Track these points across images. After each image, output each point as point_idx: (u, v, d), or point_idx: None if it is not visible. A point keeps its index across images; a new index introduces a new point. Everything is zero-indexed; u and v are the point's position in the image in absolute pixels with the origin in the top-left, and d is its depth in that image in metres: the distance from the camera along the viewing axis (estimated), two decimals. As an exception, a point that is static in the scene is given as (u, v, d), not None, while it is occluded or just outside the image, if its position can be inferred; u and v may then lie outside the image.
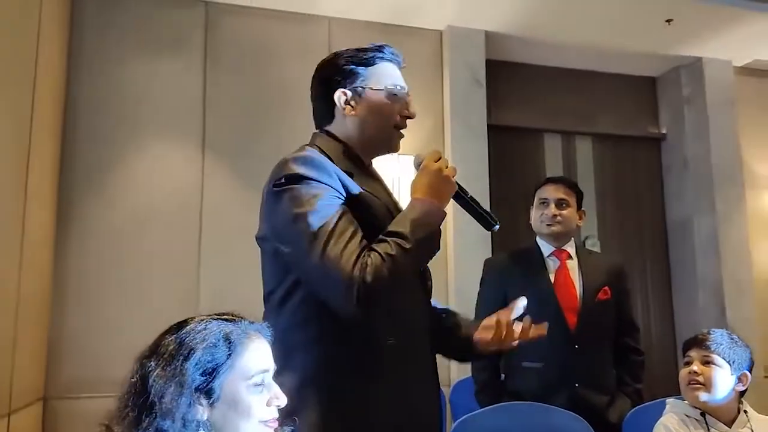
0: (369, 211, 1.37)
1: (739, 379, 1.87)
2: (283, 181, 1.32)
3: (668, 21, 4.05)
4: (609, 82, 4.81)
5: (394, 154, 1.56)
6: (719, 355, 1.86)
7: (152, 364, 1.07)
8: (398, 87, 1.49)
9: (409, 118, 1.51)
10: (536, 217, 2.38)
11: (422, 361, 1.44)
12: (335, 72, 1.50)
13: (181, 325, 1.11)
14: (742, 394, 1.90)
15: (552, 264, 2.34)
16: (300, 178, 1.31)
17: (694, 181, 4.57)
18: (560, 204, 2.34)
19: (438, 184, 1.36)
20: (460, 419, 1.79)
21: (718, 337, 1.89)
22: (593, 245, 4.52)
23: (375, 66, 1.50)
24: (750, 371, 1.89)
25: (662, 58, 4.61)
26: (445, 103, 4.08)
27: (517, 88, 4.58)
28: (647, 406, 2.05)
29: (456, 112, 4.02)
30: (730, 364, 1.85)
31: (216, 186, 3.57)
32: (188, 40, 3.66)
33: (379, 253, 1.25)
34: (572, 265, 2.33)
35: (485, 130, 4.06)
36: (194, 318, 1.12)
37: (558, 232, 2.33)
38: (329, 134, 1.50)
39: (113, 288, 3.33)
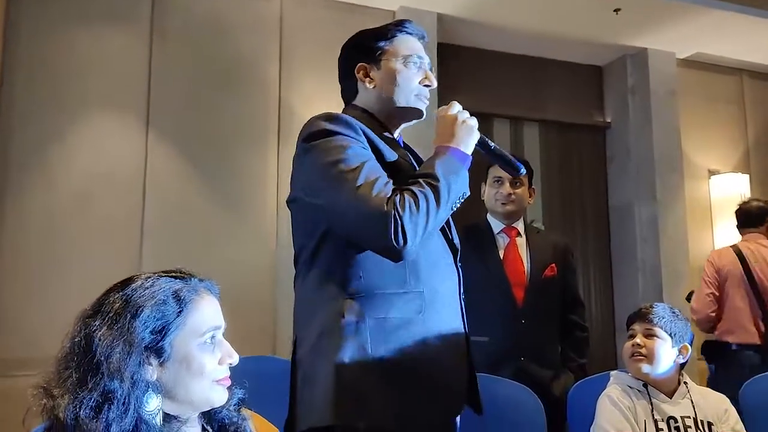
0: (396, 168, 1.41)
1: (680, 352, 1.93)
2: (314, 136, 1.38)
3: (616, 11, 4.14)
4: (557, 69, 4.89)
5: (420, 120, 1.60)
6: (661, 328, 1.91)
7: (97, 323, 1.03)
8: (415, 56, 1.54)
9: (429, 86, 1.56)
10: (490, 195, 2.41)
11: (450, 314, 1.46)
12: (356, 48, 1.58)
13: (126, 282, 1.07)
14: (682, 366, 1.96)
15: (501, 241, 2.37)
16: (328, 133, 1.37)
17: (636, 169, 4.70)
18: (514, 183, 2.37)
19: (456, 130, 1.44)
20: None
21: (660, 310, 1.95)
22: (538, 227, 4.59)
23: (394, 38, 1.56)
24: (690, 344, 1.96)
25: (609, 48, 4.71)
26: (396, 86, 4.06)
27: (467, 73, 4.60)
28: (590, 380, 2.09)
29: (408, 94, 4.01)
30: (671, 337, 1.91)
31: (160, 162, 3.47)
32: (134, 12, 3.53)
33: (412, 191, 1.31)
34: (521, 242, 2.38)
35: (435, 113, 4.06)
36: (140, 275, 1.08)
37: (512, 210, 2.37)
38: (355, 107, 1.57)
39: (53, 266, 3.21)
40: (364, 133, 1.41)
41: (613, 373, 1.99)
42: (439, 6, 4.09)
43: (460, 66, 4.54)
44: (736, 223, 3.56)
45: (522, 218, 2.44)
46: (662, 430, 1.83)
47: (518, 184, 2.38)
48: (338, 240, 1.37)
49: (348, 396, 1.30)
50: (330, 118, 1.40)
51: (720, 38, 4.59)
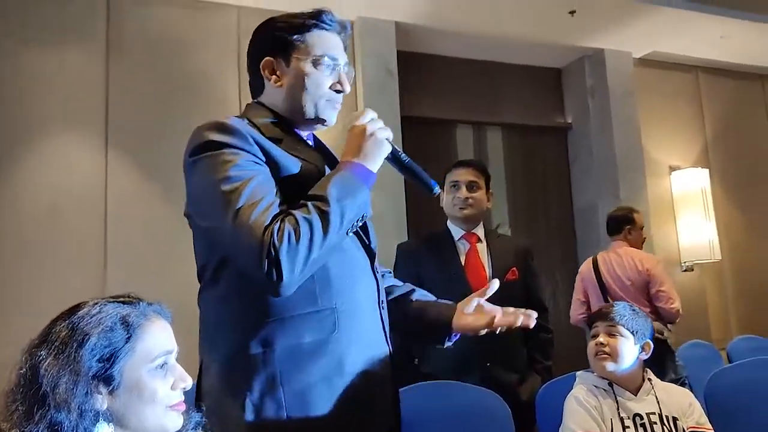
0: (298, 177, 1.30)
1: (643, 348, 1.95)
2: (198, 149, 1.26)
3: (571, 12, 4.20)
4: (517, 73, 4.94)
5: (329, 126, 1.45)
6: (623, 326, 1.93)
7: (43, 353, 1.00)
8: (327, 58, 1.39)
9: (340, 92, 1.41)
10: (448, 200, 2.41)
11: (369, 327, 1.35)
12: (264, 40, 1.42)
13: (73, 310, 1.05)
14: (646, 362, 1.98)
15: (462, 247, 2.38)
16: (213, 145, 1.24)
17: (599, 169, 4.76)
18: (471, 186, 2.37)
19: (364, 144, 1.30)
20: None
21: (621, 309, 1.97)
22: (505, 232, 4.63)
23: (308, 33, 1.39)
24: (652, 341, 1.98)
25: (567, 50, 4.78)
26: (358, 95, 4.06)
27: (429, 80, 4.62)
28: (557, 381, 2.11)
29: (369, 103, 4.02)
30: (633, 334, 1.93)
31: (121, 180, 3.42)
32: (89, 29, 3.49)
33: (295, 217, 1.18)
34: (481, 247, 2.38)
35: (399, 122, 4.08)
36: (87, 302, 1.06)
37: (470, 214, 2.37)
38: (260, 104, 1.44)
39: (13, 288, 3.14)
40: (258, 143, 1.28)
41: (578, 373, 2.00)
42: (397, 14, 4.11)
43: (421, 73, 4.57)
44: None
45: (482, 223, 2.44)
46: (629, 427, 1.84)
47: (475, 187, 2.38)
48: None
49: None
50: (217, 127, 1.26)
51: (674, 36, 4.69)
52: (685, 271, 4.84)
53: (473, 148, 4.77)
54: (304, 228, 1.17)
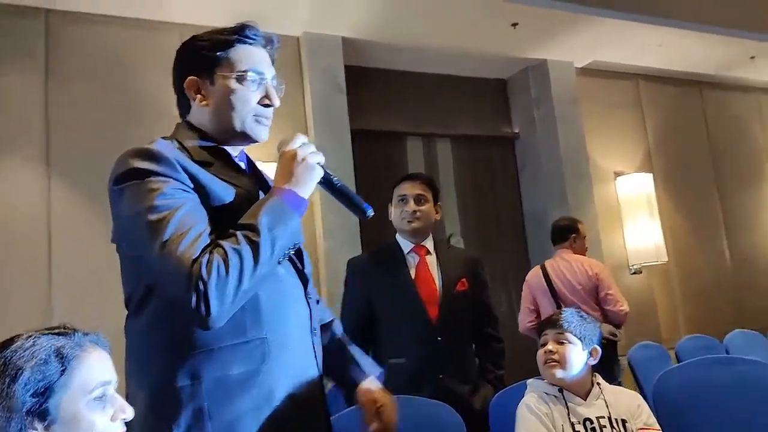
0: (228, 204, 1.26)
1: (591, 354, 1.99)
2: (122, 177, 1.22)
3: (514, 25, 4.28)
4: (464, 85, 5.00)
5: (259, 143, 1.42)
6: (571, 332, 1.96)
7: (-25, 389, 0.97)
8: (252, 72, 1.35)
9: (269, 106, 1.38)
10: (396, 214, 2.42)
11: (300, 355, 1.31)
12: (187, 58, 1.39)
13: (5, 344, 1.02)
14: (594, 367, 2.02)
15: (412, 260, 2.39)
16: (139, 173, 1.20)
17: (547, 177, 4.85)
18: (419, 200, 2.39)
19: (295, 170, 1.27)
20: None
21: (568, 316, 2.00)
22: (457, 242, 4.67)
23: (231, 49, 1.36)
24: (600, 345, 2.02)
25: (511, 61, 4.86)
26: (307, 111, 4.06)
27: (378, 94, 4.65)
28: (509, 390, 2.13)
29: (318, 119, 4.02)
30: (581, 341, 1.96)
31: (64, 203, 3.33)
32: (27, 50, 3.40)
33: (224, 248, 1.15)
34: (431, 259, 2.40)
35: (349, 136, 4.09)
36: (21, 335, 1.03)
37: (418, 227, 2.38)
38: (188, 124, 1.39)
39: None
40: (186, 169, 1.24)
41: (529, 381, 2.03)
42: (343, 30, 4.12)
43: (370, 87, 4.59)
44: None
45: (431, 235, 2.45)
46: (579, 432, 1.87)
47: (423, 200, 2.39)
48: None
49: None
50: (142, 154, 1.22)
51: (614, 45, 4.82)
52: (634, 273, 4.96)
53: (424, 160, 4.81)
54: (233, 260, 1.14)
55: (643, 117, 5.37)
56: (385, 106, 4.67)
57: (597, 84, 5.20)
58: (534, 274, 3.78)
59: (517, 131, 5.11)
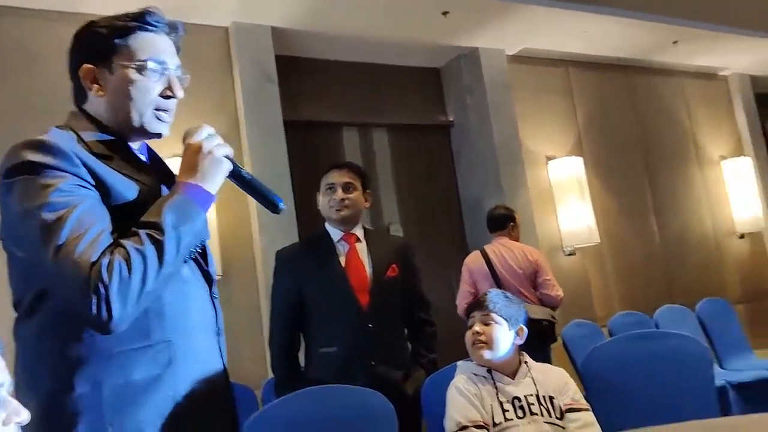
0: (130, 201, 1.19)
1: (517, 333, 2.03)
2: (13, 171, 1.13)
3: (444, 13, 4.30)
4: (398, 74, 5.01)
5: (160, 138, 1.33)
6: (497, 313, 2.00)
7: None
8: (153, 62, 1.27)
9: (171, 98, 1.30)
10: (324, 203, 2.40)
11: (205, 358, 1.27)
12: (84, 44, 1.30)
13: None
14: (521, 347, 2.06)
15: (342, 248, 2.38)
16: (32, 167, 1.12)
17: (481, 163, 4.91)
18: (347, 188, 2.38)
19: (200, 164, 1.21)
20: (258, 412, 1.75)
21: (494, 297, 2.03)
22: (396, 230, 4.69)
23: (131, 37, 1.27)
24: (526, 325, 2.06)
25: (443, 49, 4.90)
26: (237, 103, 4.00)
27: (311, 83, 4.61)
28: (441, 373, 2.15)
29: (250, 111, 3.96)
30: (507, 321, 2.00)
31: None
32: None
33: (126, 249, 1.09)
34: (361, 247, 2.39)
35: (282, 128, 4.05)
36: None
37: (347, 215, 2.37)
38: (84, 113, 1.31)
39: None
40: (85, 164, 1.16)
41: (458, 363, 2.05)
42: (273, 19, 4.07)
43: (302, 78, 4.55)
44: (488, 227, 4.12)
45: (360, 224, 2.45)
46: (508, 410, 1.91)
47: (351, 188, 2.39)
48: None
49: None
50: (36, 146, 1.14)
51: (543, 33, 4.90)
52: (568, 255, 5.08)
53: (360, 150, 4.80)
54: (136, 261, 1.09)
55: (573, 102, 5.49)
56: (319, 97, 4.64)
57: (528, 71, 5.28)
58: (474, 258, 3.89)
59: (451, 119, 5.15)
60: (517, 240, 4.00)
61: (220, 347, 1.31)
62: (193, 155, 1.23)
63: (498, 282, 3.75)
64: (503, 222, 4.00)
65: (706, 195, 6.09)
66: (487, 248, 3.91)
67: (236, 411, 1.36)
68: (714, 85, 6.46)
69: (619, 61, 5.73)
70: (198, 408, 1.21)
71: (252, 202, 3.79)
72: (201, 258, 1.31)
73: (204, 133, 1.26)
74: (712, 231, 6.03)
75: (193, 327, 1.24)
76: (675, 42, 5.48)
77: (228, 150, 1.27)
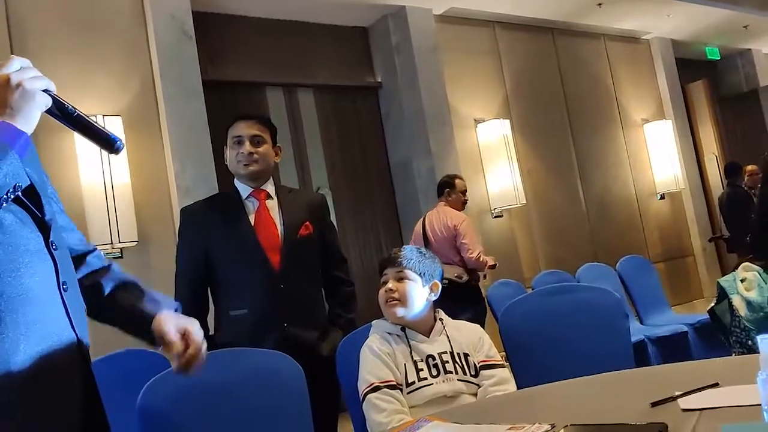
0: None
1: (431, 289, 1.98)
2: None
3: (369, -30, 4.19)
4: (325, 33, 4.89)
5: None
6: (410, 269, 1.94)
7: None
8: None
9: None
10: (232, 157, 2.26)
11: (45, 317, 1.12)
12: None
13: None
14: (436, 303, 2.02)
15: (251, 205, 2.26)
16: None
17: (410, 125, 4.87)
18: (255, 141, 2.24)
19: (9, 98, 1.06)
20: (156, 376, 1.67)
21: (407, 253, 1.98)
22: (326, 193, 4.61)
23: None
24: (440, 281, 2.02)
25: (371, 8, 4.79)
26: (153, 61, 3.81)
27: (233, 42, 4.45)
28: (356, 333, 2.10)
29: (166, 69, 3.79)
30: (421, 277, 1.95)
31: None
32: None
33: None
34: (272, 204, 2.27)
35: (200, 87, 3.89)
36: None
37: (256, 170, 2.24)
38: None
39: None
40: None
41: (373, 322, 2.01)
42: (188, -28, 3.88)
43: (224, 35, 4.38)
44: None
45: (271, 179, 2.33)
46: (422, 369, 1.87)
47: (260, 141, 2.26)
48: None
49: None
50: None
51: (471, -8, 4.86)
52: (496, 217, 5.12)
53: (286, 111, 4.68)
54: None
55: (501, 64, 5.49)
56: (242, 56, 4.49)
57: (456, 31, 5.24)
58: (418, 223, 4.25)
59: (379, 80, 5.07)
60: (457, 205, 4.21)
61: (65, 303, 1.17)
62: (0, 90, 1.08)
63: (428, 246, 3.93)
64: (441, 188, 4.26)
65: (628, 156, 6.23)
66: (428, 214, 4.22)
67: (93, 376, 1.21)
68: (637, 48, 6.58)
69: (545, 23, 5.75)
70: (37, 373, 1.08)
71: (169, 163, 3.64)
72: (32, 204, 1.17)
73: (15, 65, 1.10)
74: (634, 191, 6.19)
75: (24, 282, 1.10)
76: (600, 4, 5.53)
77: (46, 83, 1.12)
